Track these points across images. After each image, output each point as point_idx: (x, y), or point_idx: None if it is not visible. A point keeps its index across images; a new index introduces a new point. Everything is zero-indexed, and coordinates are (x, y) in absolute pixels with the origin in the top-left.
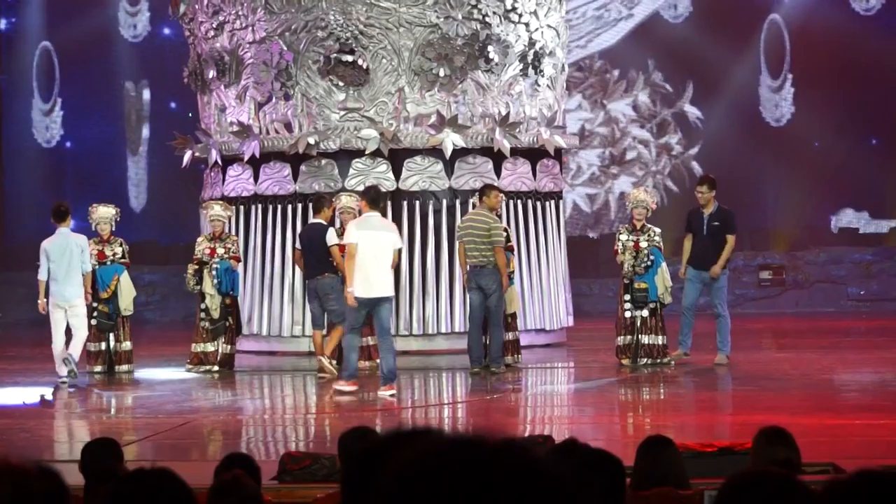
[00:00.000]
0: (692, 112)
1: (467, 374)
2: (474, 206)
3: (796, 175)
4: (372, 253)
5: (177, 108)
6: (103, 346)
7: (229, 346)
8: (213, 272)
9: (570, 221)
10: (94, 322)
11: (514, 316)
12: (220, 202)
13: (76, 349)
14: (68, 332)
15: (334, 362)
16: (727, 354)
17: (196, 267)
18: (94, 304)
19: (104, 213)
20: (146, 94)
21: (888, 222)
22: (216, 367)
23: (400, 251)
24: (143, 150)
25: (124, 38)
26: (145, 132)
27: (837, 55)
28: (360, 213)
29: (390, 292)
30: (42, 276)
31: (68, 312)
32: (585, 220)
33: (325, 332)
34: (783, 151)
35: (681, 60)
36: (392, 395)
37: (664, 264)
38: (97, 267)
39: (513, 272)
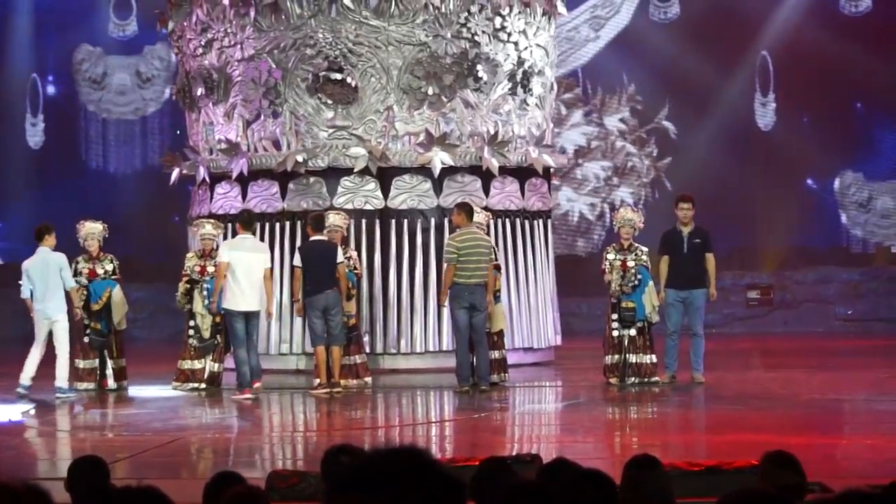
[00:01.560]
0: (670, 127)
1: (454, 393)
2: (457, 225)
3: (785, 193)
4: (244, 271)
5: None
6: (96, 363)
7: (217, 365)
8: (205, 291)
9: (571, 228)
10: (86, 339)
11: (500, 334)
12: (211, 220)
13: (62, 369)
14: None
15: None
16: (702, 373)
17: (187, 285)
18: (87, 322)
19: (91, 229)
20: None
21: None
22: (203, 385)
23: (271, 270)
24: None
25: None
26: None
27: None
28: (346, 231)
29: (259, 307)
30: (24, 294)
31: (53, 327)
32: (588, 224)
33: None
34: (772, 169)
35: (661, 75)
36: (247, 399)
37: (651, 283)
38: (88, 283)
39: (499, 290)
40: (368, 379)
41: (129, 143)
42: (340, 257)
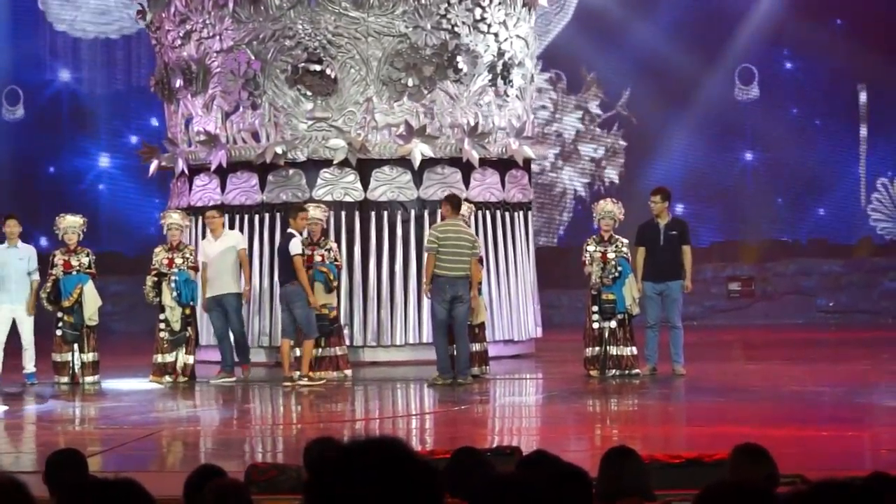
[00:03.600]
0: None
1: (428, 385)
2: (443, 217)
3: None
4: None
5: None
6: (69, 356)
7: (190, 357)
8: (173, 284)
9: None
10: (59, 333)
11: (481, 326)
12: (179, 212)
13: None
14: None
15: (309, 375)
16: (683, 365)
17: (155, 279)
18: (59, 315)
19: (71, 223)
20: None
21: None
22: (181, 379)
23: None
24: None
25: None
26: None
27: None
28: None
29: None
30: None
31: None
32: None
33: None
34: (751, 159)
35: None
36: (224, 381)
37: (632, 275)
38: (61, 276)
39: (479, 283)
40: (348, 371)
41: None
42: (296, 250)
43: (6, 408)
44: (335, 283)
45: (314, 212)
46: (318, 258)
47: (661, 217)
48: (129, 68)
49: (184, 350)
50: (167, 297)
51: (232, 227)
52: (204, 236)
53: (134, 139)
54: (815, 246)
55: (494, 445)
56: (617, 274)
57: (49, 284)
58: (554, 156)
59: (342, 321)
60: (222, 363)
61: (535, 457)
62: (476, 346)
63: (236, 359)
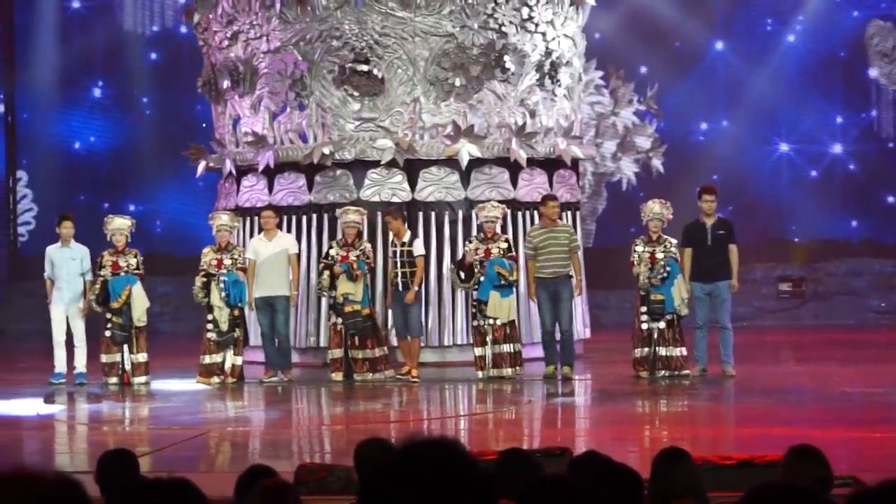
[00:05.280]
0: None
1: (479, 386)
2: (541, 216)
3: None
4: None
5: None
6: (118, 357)
7: (239, 358)
8: (222, 284)
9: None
10: (107, 334)
11: (512, 325)
12: (227, 212)
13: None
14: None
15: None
16: (732, 366)
17: (204, 279)
18: (108, 316)
19: (119, 224)
20: None
21: None
22: (230, 380)
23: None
24: None
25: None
26: None
27: None
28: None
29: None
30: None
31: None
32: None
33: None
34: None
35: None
36: (273, 380)
37: (681, 275)
38: (110, 278)
39: (516, 280)
40: (389, 372)
41: None
42: (419, 250)
43: (62, 408)
44: (357, 272)
45: (350, 215)
46: (352, 259)
47: (708, 217)
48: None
49: (232, 351)
50: (216, 298)
51: (279, 227)
52: (251, 236)
53: None
54: (866, 246)
55: (544, 447)
56: (665, 274)
57: (98, 286)
58: (615, 147)
59: (388, 323)
60: (267, 363)
61: (587, 457)
62: (507, 347)
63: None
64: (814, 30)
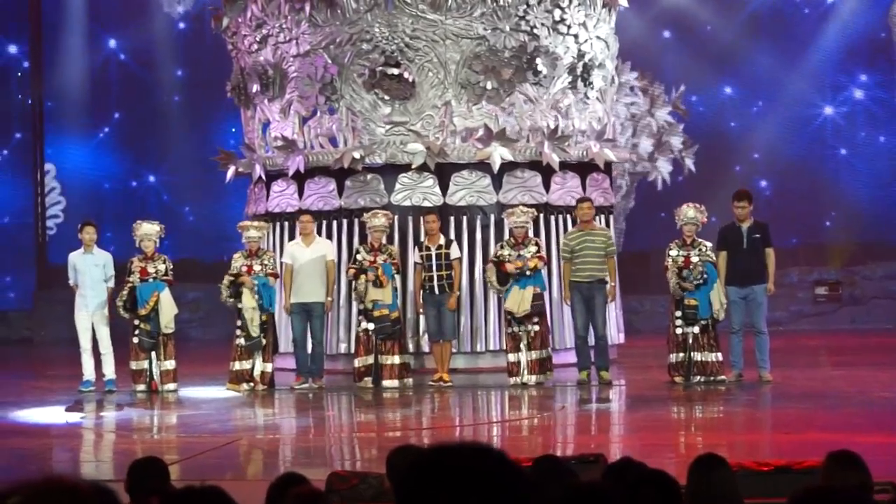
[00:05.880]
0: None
1: (512, 392)
2: (576, 221)
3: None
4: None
5: None
6: (145, 364)
7: (269, 365)
8: (255, 288)
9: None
10: (135, 340)
11: (548, 332)
12: (255, 224)
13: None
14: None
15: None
16: (769, 371)
17: (231, 278)
18: (136, 322)
19: (148, 230)
20: None
21: None
22: (261, 387)
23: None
24: None
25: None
26: None
27: None
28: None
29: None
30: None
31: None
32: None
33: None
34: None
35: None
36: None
37: (719, 280)
38: (139, 284)
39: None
40: (409, 380)
41: None
42: (455, 254)
43: (90, 415)
44: (384, 279)
45: (378, 219)
46: (379, 263)
47: (743, 221)
48: None
49: (261, 358)
50: (250, 300)
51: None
52: (282, 241)
53: None
54: None
55: (578, 453)
56: (702, 280)
57: (125, 292)
58: (652, 147)
59: (420, 328)
60: (298, 369)
61: (622, 464)
62: (533, 354)
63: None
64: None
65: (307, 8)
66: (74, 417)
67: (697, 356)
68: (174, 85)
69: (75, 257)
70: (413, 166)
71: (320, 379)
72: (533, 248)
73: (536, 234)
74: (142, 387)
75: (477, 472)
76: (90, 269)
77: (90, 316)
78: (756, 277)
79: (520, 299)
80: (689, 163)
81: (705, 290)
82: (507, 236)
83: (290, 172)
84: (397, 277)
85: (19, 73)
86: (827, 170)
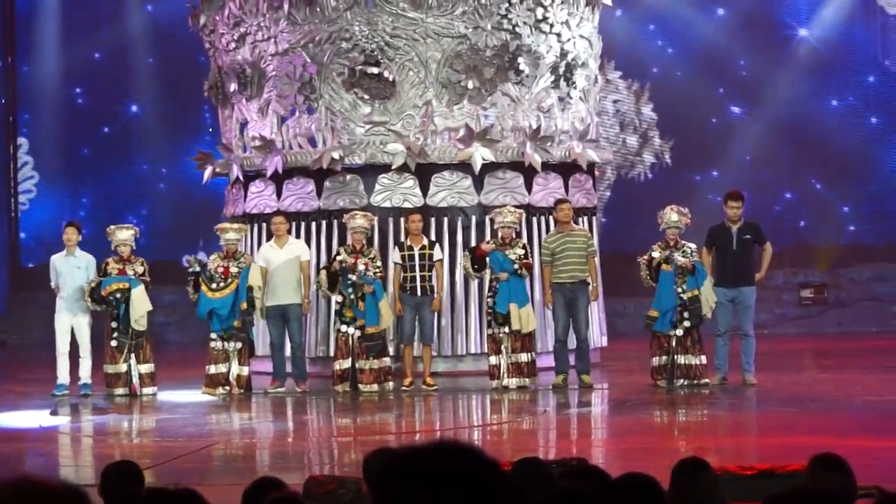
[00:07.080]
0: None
1: (493, 396)
2: (556, 222)
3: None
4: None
5: None
6: (124, 368)
7: (245, 368)
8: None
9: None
10: (113, 343)
11: (531, 336)
12: (234, 226)
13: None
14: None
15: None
16: (754, 374)
17: (192, 278)
18: (113, 325)
19: (122, 237)
20: None
21: None
22: (237, 390)
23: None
24: None
25: None
26: None
27: None
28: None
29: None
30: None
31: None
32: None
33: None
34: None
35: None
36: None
37: (709, 280)
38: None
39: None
40: (389, 384)
41: None
42: (437, 255)
43: (65, 419)
44: (367, 288)
45: (358, 220)
46: (361, 266)
47: (735, 222)
48: None
49: (237, 361)
50: (257, 279)
51: (289, 234)
52: (259, 243)
53: None
54: (892, 250)
55: (560, 457)
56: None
57: (92, 284)
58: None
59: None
60: (275, 373)
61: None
62: (523, 357)
63: (288, 370)
64: None
65: (286, 6)
66: (49, 421)
67: (681, 359)
68: None
69: (57, 259)
70: (393, 167)
71: (304, 382)
72: (520, 251)
73: (518, 235)
74: (120, 390)
75: (454, 471)
76: (72, 271)
77: (71, 319)
78: (744, 279)
79: (526, 320)
80: (666, 157)
81: (701, 279)
82: (488, 237)
83: (269, 173)
84: (380, 283)
85: None
86: None
